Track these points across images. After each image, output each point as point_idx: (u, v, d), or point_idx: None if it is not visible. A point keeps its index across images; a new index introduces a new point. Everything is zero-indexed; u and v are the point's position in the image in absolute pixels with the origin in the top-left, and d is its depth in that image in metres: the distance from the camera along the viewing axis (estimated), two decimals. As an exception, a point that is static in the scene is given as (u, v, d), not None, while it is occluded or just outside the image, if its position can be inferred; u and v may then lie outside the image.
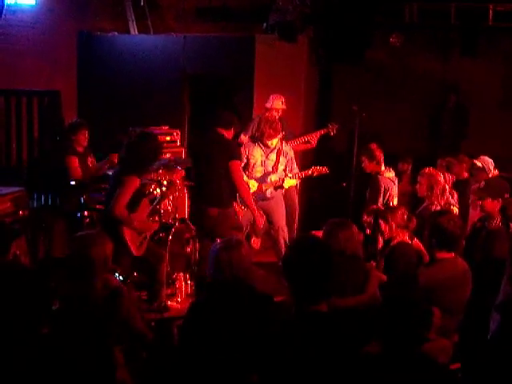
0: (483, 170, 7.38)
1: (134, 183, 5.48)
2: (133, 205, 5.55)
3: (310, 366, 3.04)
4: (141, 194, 5.67)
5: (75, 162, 7.23)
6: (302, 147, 8.19)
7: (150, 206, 5.90)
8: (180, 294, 6.73)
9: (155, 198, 6.24)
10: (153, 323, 6.04)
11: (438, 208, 6.25)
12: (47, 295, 4.25)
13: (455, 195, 6.85)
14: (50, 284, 4.59)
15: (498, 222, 5.64)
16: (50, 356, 3.44)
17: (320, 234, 4.94)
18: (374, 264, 5.47)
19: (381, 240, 5.71)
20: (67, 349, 3.85)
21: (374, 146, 7.44)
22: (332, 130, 8.21)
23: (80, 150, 7.37)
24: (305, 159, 8.44)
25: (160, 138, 7.97)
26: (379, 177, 7.20)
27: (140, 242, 5.77)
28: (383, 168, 7.30)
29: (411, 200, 7.62)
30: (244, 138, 8.02)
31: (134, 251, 5.72)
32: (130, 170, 5.50)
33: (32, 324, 3.90)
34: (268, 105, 8.12)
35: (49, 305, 4.22)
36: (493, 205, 5.60)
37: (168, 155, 7.53)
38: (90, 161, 7.51)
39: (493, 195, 5.62)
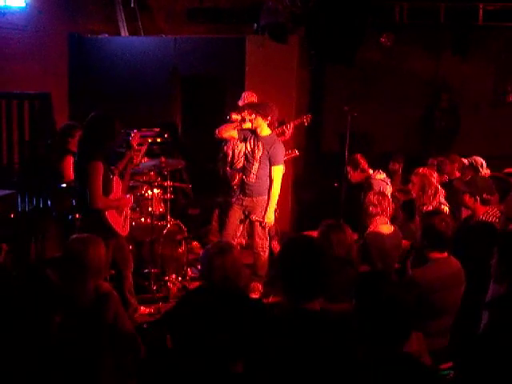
0: (471, 167, 7.42)
1: (99, 169, 5.43)
2: (106, 187, 5.53)
3: (301, 362, 3.05)
4: (109, 174, 5.60)
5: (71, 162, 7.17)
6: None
7: (121, 182, 5.86)
8: (172, 295, 6.74)
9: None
10: (145, 325, 6.06)
11: (430, 208, 6.26)
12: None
13: (443, 193, 6.86)
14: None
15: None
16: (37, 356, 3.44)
17: (311, 234, 4.94)
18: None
19: None
20: (54, 351, 3.86)
21: (357, 155, 7.47)
22: (306, 120, 8.13)
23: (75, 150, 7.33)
24: (295, 159, 8.42)
25: (151, 139, 8.06)
26: (372, 180, 7.21)
27: (122, 221, 5.82)
28: (372, 171, 7.31)
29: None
30: None
31: (121, 231, 5.78)
32: (90, 157, 5.45)
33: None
34: (240, 102, 8.07)
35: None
36: (470, 201, 5.60)
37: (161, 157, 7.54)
38: None
39: (471, 192, 5.61)
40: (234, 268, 3.96)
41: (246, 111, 6.97)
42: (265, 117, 6.82)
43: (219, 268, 3.91)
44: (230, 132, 7.12)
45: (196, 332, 3.90)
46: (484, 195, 5.57)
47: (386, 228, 5.63)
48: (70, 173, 6.97)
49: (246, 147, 6.97)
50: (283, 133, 8.04)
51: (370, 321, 2.99)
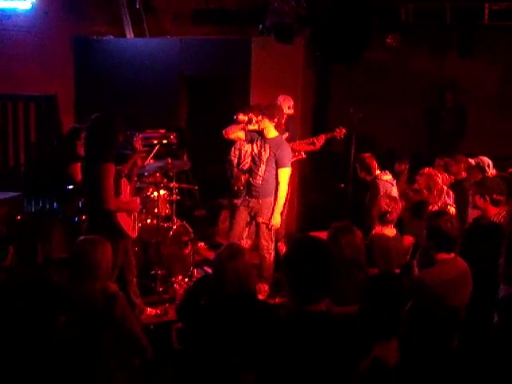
0: (477, 167, 7.40)
1: (111, 170, 5.43)
2: (116, 189, 5.52)
3: (309, 364, 3.05)
4: (118, 175, 5.58)
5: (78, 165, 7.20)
6: (306, 148, 8.11)
7: (129, 184, 5.86)
8: (178, 296, 6.73)
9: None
10: (152, 326, 6.07)
11: (436, 209, 6.25)
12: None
13: (451, 195, 6.84)
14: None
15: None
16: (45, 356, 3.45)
17: (318, 235, 4.92)
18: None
19: None
20: (62, 351, 3.86)
21: (366, 156, 7.45)
22: (339, 134, 8.13)
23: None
24: (301, 159, 8.40)
25: (157, 140, 8.09)
26: (377, 181, 7.20)
27: (132, 223, 5.82)
28: (378, 172, 7.29)
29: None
30: None
31: (131, 233, 5.79)
32: (101, 159, 5.44)
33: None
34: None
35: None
36: (481, 202, 5.59)
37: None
38: None
39: (481, 192, 5.60)
40: (245, 271, 3.98)
41: (252, 112, 6.97)
42: (271, 118, 6.81)
43: (232, 272, 3.92)
44: (236, 133, 7.12)
45: (209, 336, 3.89)
46: (494, 196, 5.56)
47: (390, 231, 5.68)
48: (78, 175, 7.00)
49: (252, 149, 6.97)
50: (313, 143, 8.05)
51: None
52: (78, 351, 4.07)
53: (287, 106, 7.95)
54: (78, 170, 6.83)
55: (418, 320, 3.10)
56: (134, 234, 5.90)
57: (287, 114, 7.99)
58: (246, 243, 7.12)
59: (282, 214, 7.01)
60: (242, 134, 7.08)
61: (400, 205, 5.87)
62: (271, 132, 6.84)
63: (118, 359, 4.25)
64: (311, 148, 8.09)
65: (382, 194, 6.95)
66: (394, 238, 5.64)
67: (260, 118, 6.82)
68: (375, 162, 7.37)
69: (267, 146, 6.80)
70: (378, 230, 5.65)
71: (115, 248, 4.72)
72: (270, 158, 6.78)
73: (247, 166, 7.28)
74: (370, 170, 7.34)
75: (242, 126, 7.10)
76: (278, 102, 7.89)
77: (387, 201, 5.72)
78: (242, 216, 7.02)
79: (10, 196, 6.94)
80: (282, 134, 7.73)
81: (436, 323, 3.14)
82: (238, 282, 3.93)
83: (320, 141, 8.04)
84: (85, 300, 4.23)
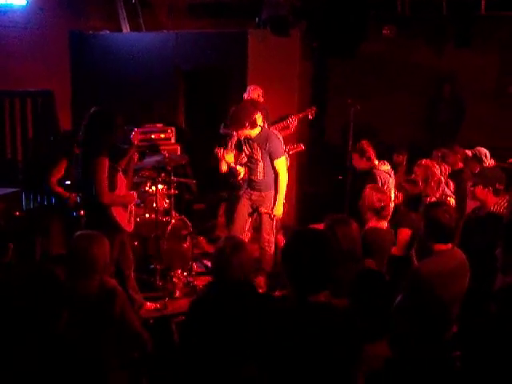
0: (475, 159, 7.41)
1: (104, 164, 5.44)
2: (111, 183, 5.53)
3: (311, 355, 3.06)
4: (113, 170, 5.60)
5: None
6: (281, 134, 8.08)
7: (125, 179, 5.86)
8: (178, 290, 6.75)
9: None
10: (151, 320, 6.08)
11: (434, 200, 6.25)
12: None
13: (451, 186, 6.84)
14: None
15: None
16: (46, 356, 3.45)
17: (317, 227, 4.92)
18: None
19: None
20: (63, 351, 3.86)
21: (364, 142, 7.40)
22: (310, 113, 8.11)
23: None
24: (299, 151, 8.39)
25: (154, 134, 8.10)
26: (375, 171, 7.17)
27: (128, 217, 5.83)
28: (376, 162, 7.26)
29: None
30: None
31: (127, 227, 5.80)
32: (95, 153, 5.44)
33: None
34: (246, 96, 8.03)
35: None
36: (483, 192, 5.59)
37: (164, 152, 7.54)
38: None
39: (484, 183, 5.61)
40: (249, 264, 3.99)
41: (228, 139, 7.21)
42: (242, 127, 6.70)
43: (236, 266, 3.92)
44: (228, 157, 7.42)
45: (211, 330, 3.90)
46: (497, 185, 5.58)
47: (383, 224, 5.63)
48: (60, 171, 7.01)
49: (245, 151, 6.99)
50: (287, 127, 8.03)
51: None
52: (77, 347, 4.08)
53: (257, 94, 7.94)
54: (62, 165, 6.89)
55: (410, 313, 3.11)
56: (130, 228, 5.91)
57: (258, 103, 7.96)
58: (246, 236, 7.11)
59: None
60: (231, 158, 7.46)
61: (389, 196, 5.85)
62: (253, 132, 6.78)
63: (118, 359, 4.25)
64: (287, 132, 8.02)
65: (379, 184, 6.94)
66: (387, 231, 5.61)
67: (234, 133, 6.87)
68: (371, 149, 7.32)
69: (256, 145, 6.80)
70: (373, 223, 5.59)
71: (111, 242, 4.72)
72: (263, 154, 6.79)
73: (245, 159, 7.29)
74: (369, 158, 7.28)
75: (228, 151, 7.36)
76: (247, 95, 7.92)
77: (379, 196, 5.65)
78: (244, 208, 7.02)
79: (9, 192, 6.94)
80: None
81: (429, 316, 3.15)
82: (241, 275, 3.93)
83: (293, 123, 8.02)
84: (83, 296, 4.22)
